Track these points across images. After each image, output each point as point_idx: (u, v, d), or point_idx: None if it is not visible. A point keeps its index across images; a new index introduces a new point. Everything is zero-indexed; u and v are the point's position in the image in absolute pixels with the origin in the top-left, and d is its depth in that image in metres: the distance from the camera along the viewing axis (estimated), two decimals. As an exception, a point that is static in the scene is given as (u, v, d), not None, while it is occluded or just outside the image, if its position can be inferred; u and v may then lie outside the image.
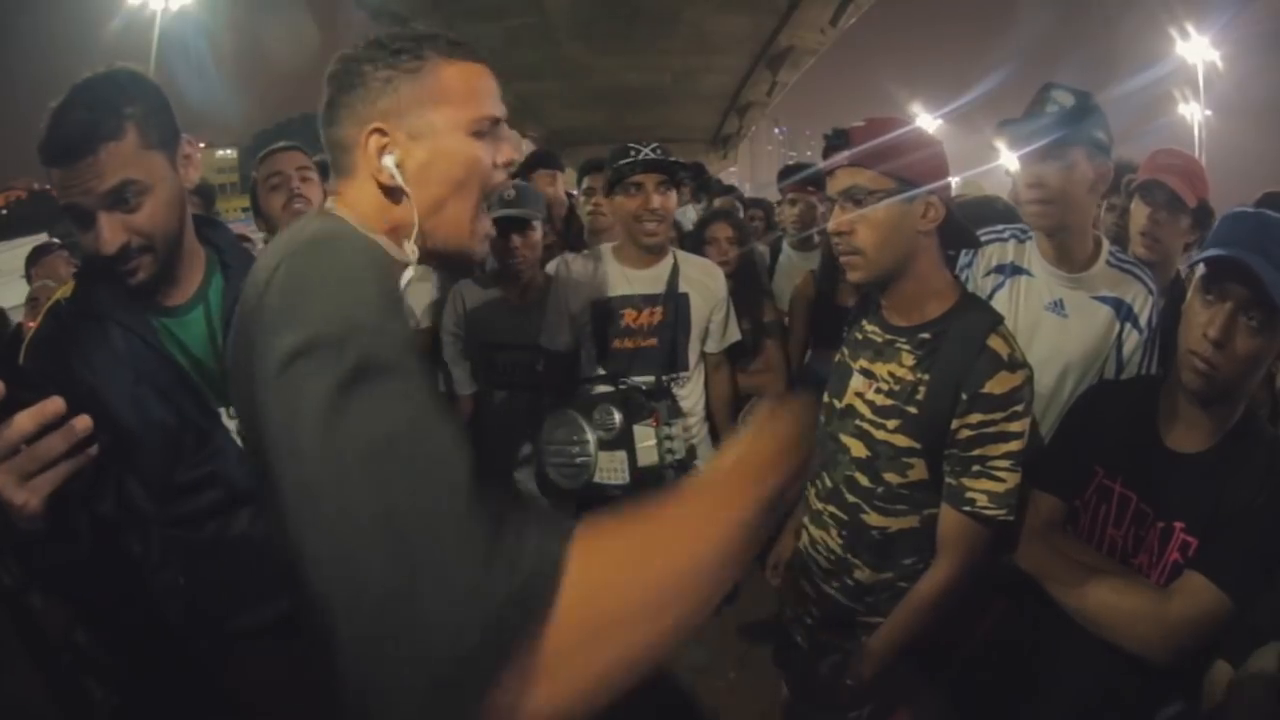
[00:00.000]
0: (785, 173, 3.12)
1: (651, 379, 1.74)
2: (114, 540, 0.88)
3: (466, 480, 0.49)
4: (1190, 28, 21.69)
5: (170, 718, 0.97)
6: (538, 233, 1.98)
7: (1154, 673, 0.99)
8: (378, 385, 0.50)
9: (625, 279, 1.82)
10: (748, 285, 2.29)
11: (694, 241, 2.46)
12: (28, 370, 0.98)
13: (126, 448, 0.96)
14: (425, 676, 0.42)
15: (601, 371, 1.79)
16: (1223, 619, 0.95)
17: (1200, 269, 1.05)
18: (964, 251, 1.50)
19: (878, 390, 1.20)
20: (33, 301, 2.85)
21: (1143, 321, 1.40)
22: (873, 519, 1.20)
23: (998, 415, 1.08)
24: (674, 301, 1.81)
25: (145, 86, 0.99)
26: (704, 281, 1.86)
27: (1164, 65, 22.76)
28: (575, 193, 2.95)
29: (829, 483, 1.27)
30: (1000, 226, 1.55)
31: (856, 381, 1.25)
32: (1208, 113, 22.54)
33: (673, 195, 1.80)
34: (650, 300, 1.80)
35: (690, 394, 1.84)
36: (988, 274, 1.51)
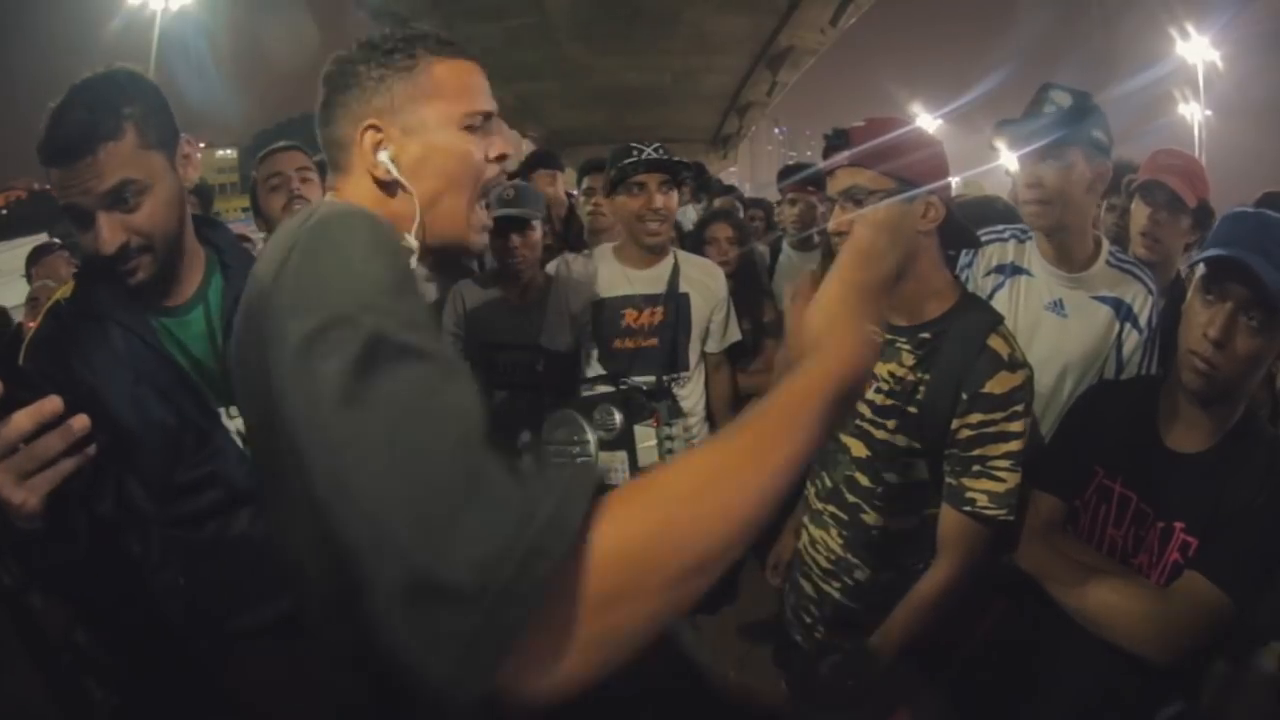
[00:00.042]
0: (785, 173, 3.12)
1: (652, 379, 1.74)
2: (114, 540, 0.88)
3: (486, 434, 0.49)
4: (1190, 28, 21.64)
5: (170, 718, 0.97)
6: (537, 233, 1.97)
7: (1154, 673, 0.99)
8: (398, 356, 0.50)
9: (626, 279, 1.82)
10: (748, 285, 2.29)
11: (694, 241, 2.46)
12: (26, 370, 0.98)
13: (126, 448, 0.96)
14: (467, 618, 0.42)
15: (602, 371, 1.79)
16: (1223, 619, 0.95)
17: (1200, 269, 1.05)
18: (964, 251, 1.51)
19: (878, 390, 1.20)
20: (33, 301, 2.86)
21: (1143, 321, 1.40)
22: (873, 519, 1.20)
23: (998, 415, 1.08)
24: (674, 301, 1.81)
25: (144, 86, 0.99)
26: (704, 281, 1.86)
27: (1164, 65, 22.71)
28: (575, 193, 2.95)
29: (829, 483, 1.27)
30: (1000, 226, 1.55)
31: (857, 382, 1.24)
32: (1208, 113, 22.51)
33: (675, 195, 1.81)
34: (651, 300, 1.80)
35: (691, 394, 1.83)
36: (988, 274, 1.51)
